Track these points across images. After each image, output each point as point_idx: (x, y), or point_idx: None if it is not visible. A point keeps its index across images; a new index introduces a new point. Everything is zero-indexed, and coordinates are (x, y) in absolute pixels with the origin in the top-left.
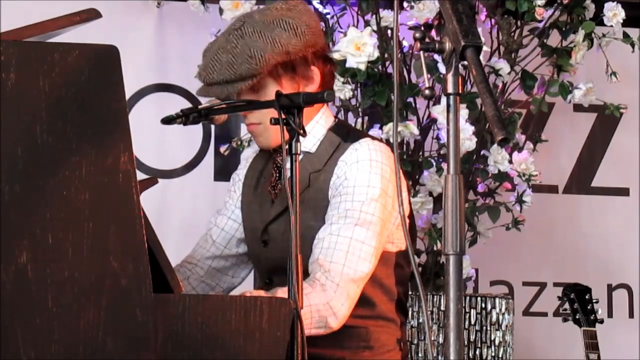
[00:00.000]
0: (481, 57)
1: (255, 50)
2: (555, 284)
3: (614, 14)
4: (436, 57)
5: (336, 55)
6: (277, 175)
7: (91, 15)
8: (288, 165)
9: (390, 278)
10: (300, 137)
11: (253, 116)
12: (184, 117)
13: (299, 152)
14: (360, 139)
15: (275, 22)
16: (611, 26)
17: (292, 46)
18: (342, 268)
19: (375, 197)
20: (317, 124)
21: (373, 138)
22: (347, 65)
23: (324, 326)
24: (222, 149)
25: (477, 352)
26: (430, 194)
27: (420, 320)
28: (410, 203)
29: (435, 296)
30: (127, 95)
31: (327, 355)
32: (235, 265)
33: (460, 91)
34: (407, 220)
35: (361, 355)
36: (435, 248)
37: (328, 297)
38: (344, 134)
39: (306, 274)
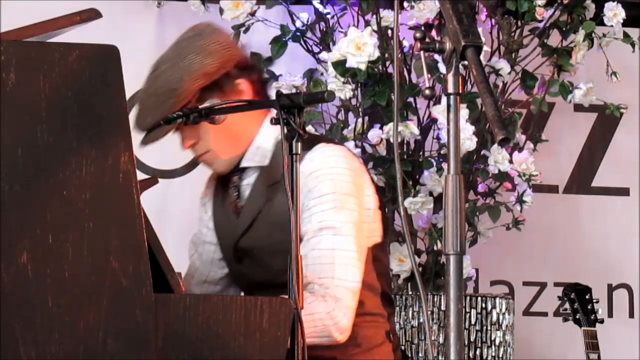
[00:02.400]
0: (481, 57)
1: (174, 83)
2: (556, 284)
3: (614, 13)
4: (436, 57)
5: (336, 55)
6: (237, 193)
7: (91, 15)
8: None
9: (371, 273)
10: (251, 153)
11: (198, 147)
12: (185, 117)
13: (298, 151)
14: (313, 147)
15: (186, 51)
16: (611, 26)
17: (209, 66)
18: (336, 281)
19: (342, 203)
20: (265, 137)
21: (327, 141)
22: (348, 65)
23: (328, 336)
24: None
25: (478, 352)
26: (431, 193)
27: (421, 320)
28: (378, 195)
29: (436, 296)
30: (128, 95)
31: (316, 355)
32: (227, 287)
33: (460, 91)
34: (379, 212)
35: (351, 353)
36: (435, 248)
37: (329, 307)
38: None
39: (277, 287)
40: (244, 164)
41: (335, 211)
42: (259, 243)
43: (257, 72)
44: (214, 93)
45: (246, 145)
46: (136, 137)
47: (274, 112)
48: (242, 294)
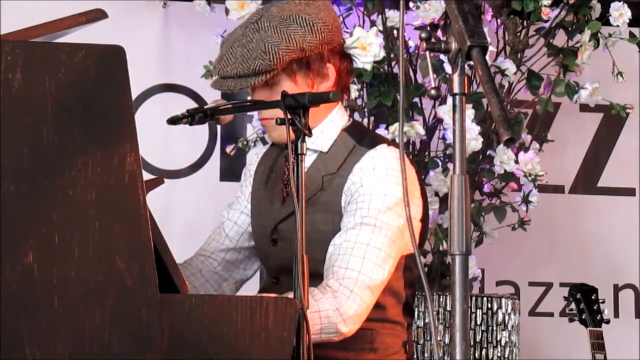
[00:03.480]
0: (487, 57)
1: (269, 46)
2: (562, 284)
3: (620, 13)
4: (442, 57)
5: None
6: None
7: (97, 15)
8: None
9: (399, 281)
10: (314, 135)
11: (266, 111)
12: (190, 117)
13: (304, 152)
14: (377, 145)
15: (291, 18)
16: (617, 26)
17: (308, 43)
18: (358, 275)
19: (392, 205)
20: (331, 123)
21: (389, 143)
22: (353, 65)
23: (334, 332)
24: (228, 149)
25: (483, 352)
26: (436, 194)
27: (427, 321)
28: (424, 207)
29: (441, 296)
30: (133, 96)
31: (330, 356)
32: (247, 258)
33: (466, 91)
34: (420, 224)
35: (365, 358)
36: (441, 248)
37: (339, 303)
38: (358, 137)
39: (315, 277)
40: None
41: (381, 212)
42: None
43: (348, 62)
44: (302, 68)
45: (312, 126)
46: (201, 84)
47: (343, 104)
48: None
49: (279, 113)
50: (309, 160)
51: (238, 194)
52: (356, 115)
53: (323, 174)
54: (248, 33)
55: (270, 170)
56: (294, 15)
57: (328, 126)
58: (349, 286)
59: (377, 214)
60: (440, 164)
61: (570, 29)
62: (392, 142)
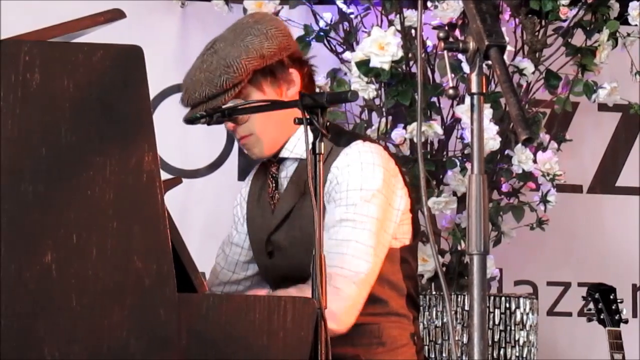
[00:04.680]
0: (505, 57)
1: (230, 60)
2: (580, 284)
3: (639, 12)
4: (460, 56)
5: (360, 55)
6: (274, 185)
7: (115, 15)
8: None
9: (398, 274)
10: (291, 143)
11: (242, 129)
12: (208, 117)
13: (322, 151)
14: (351, 143)
15: (245, 32)
16: (635, 25)
17: (266, 49)
18: (341, 271)
19: (368, 198)
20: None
21: (365, 139)
22: (371, 65)
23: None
24: None
25: (501, 352)
26: (454, 193)
27: (444, 320)
28: (411, 197)
29: (459, 296)
30: (151, 96)
31: (340, 353)
32: (250, 288)
33: (484, 91)
34: (410, 214)
35: (374, 352)
36: (459, 248)
37: (327, 300)
38: (335, 138)
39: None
40: (283, 154)
41: (359, 206)
42: (292, 237)
43: (308, 67)
44: (266, 77)
45: (288, 134)
46: (181, 114)
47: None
48: (270, 291)
49: (255, 127)
50: (290, 169)
51: (230, 228)
52: (374, 115)
53: (305, 179)
54: (206, 59)
55: (260, 189)
56: (247, 29)
57: (303, 136)
58: (334, 283)
59: (354, 209)
60: (458, 163)
61: (588, 28)
62: (368, 138)
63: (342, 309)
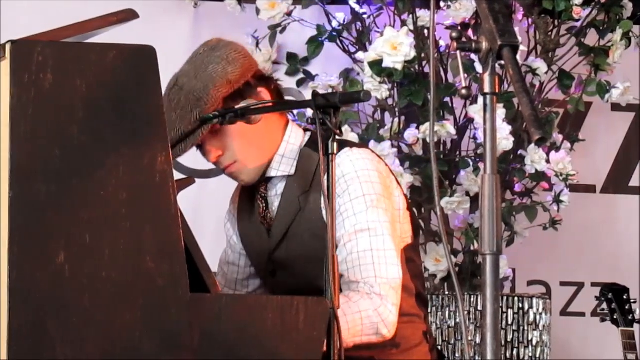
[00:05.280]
0: (518, 57)
1: (198, 93)
2: (593, 284)
3: None
4: (473, 56)
5: (373, 55)
6: (264, 205)
7: (128, 15)
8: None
9: (405, 274)
10: (276, 162)
11: (225, 158)
12: (221, 117)
13: (335, 151)
14: (338, 152)
15: (205, 62)
16: None
17: (231, 74)
18: (378, 280)
19: (374, 203)
20: (289, 145)
21: (351, 145)
22: (384, 65)
23: (375, 333)
24: None
25: (514, 352)
26: (467, 193)
27: (458, 320)
28: (405, 197)
29: (472, 296)
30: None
31: (354, 356)
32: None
33: (497, 91)
34: (408, 212)
35: (389, 353)
36: (472, 248)
37: (375, 304)
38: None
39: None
40: (269, 174)
41: (368, 213)
42: (294, 254)
43: (273, 82)
44: (237, 102)
45: (271, 154)
46: None
47: (293, 120)
48: None
49: (238, 153)
50: (280, 186)
51: (225, 248)
52: (386, 115)
53: (298, 195)
54: (173, 97)
55: (250, 208)
56: (206, 59)
57: (287, 148)
58: (376, 290)
59: (365, 217)
60: (471, 163)
61: (601, 28)
62: (354, 144)
63: (394, 316)
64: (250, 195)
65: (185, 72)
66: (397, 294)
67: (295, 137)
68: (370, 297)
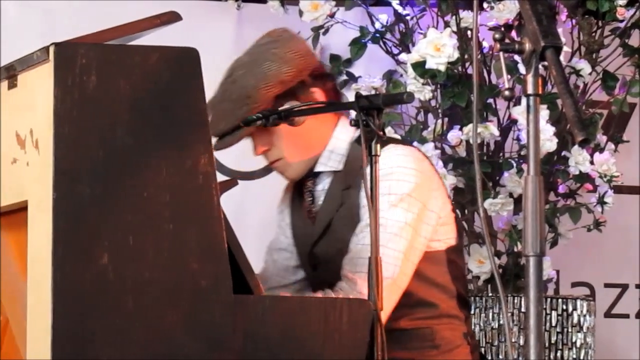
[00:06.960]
0: (561, 58)
1: (248, 90)
2: (637, 286)
3: None
4: (516, 57)
5: (416, 57)
6: (311, 199)
7: (171, 17)
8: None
9: (445, 276)
10: (324, 157)
11: (271, 154)
12: (264, 119)
13: (378, 153)
14: (383, 147)
15: (261, 58)
16: None
17: (284, 74)
18: (366, 276)
19: (396, 202)
20: (338, 140)
21: (397, 142)
22: (427, 66)
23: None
24: None
25: (558, 354)
26: (511, 195)
27: (501, 322)
28: (449, 198)
29: (516, 298)
30: (207, 98)
31: (393, 357)
32: (298, 293)
33: (540, 92)
34: (452, 215)
35: (428, 355)
36: (515, 249)
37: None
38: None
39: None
40: (317, 169)
41: (386, 210)
42: (333, 249)
43: (331, 81)
44: (288, 101)
45: (320, 149)
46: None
47: (346, 116)
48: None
49: (282, 151)
50: (327, 182)
51: (277, 233)
52: (430, 116)
53: (341, 189)
54: (227, 87)
55: (299, 201)
56: (263, 54)
57: (336, 144)
58: (358, 288)
59: (381, 214)
60: (514, 165)
61: None
62: (400, 141)
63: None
64: (300, 188)
65: (241, 63)
66: (387, 293)
67: (345, 133)
68: (347, 297)
